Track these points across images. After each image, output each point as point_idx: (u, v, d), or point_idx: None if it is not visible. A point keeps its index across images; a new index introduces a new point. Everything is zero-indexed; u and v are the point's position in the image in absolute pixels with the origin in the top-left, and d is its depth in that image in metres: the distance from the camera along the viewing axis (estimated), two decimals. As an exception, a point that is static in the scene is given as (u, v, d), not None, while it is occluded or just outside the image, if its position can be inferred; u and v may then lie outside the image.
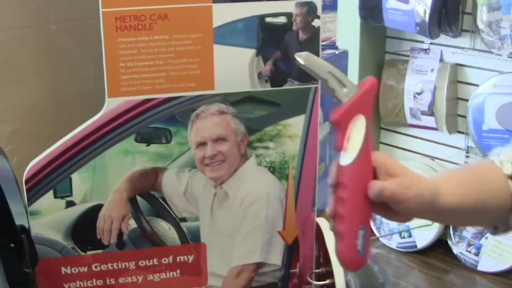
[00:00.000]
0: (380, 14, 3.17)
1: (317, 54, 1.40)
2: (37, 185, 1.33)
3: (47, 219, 1.37)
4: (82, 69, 1.51)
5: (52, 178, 1.34)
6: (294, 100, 1.42)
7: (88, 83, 1.50)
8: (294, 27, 1.37)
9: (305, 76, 1.39)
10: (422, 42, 3.29)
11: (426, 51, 3.28)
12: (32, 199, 1.34)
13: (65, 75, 1.50)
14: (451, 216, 1.17)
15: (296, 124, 1.43)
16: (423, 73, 3.27)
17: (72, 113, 1.50)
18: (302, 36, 1.38)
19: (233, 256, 1.47)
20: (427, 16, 2.99)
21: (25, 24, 1.43)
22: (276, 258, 1.49)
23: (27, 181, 1.32)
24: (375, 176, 1.06)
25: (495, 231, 1.24)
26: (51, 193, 1.35)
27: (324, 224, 1.49)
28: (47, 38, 1.46)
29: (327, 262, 1.45)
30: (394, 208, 1.06)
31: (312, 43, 1.39)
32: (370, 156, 1.04)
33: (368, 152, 1.03)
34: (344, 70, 1.91)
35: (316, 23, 1.38)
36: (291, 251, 1.50)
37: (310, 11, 1.36)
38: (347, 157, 1.02)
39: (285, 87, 1.40)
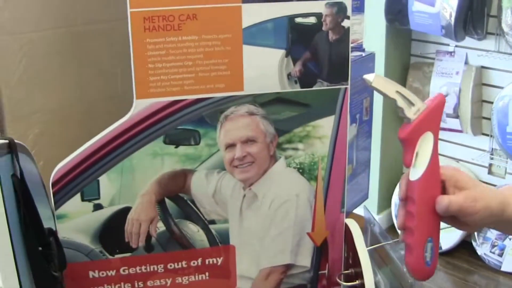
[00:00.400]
0: (406, 17, 3.16)
1: (347, 55, 1.38)
2: (64, 188, 1.32)
3: (74, 223, 1.35)
4: (109, 71, 1.51)
5: (79, 181, 1.33)
6: (324, 101, 1.40)
7: (116, 85, 1.50)
8: (324, 28, 1.35)
9: (335, 76, 1.38)
10: (448, 44, 3.27)
11: (451, 53, 3.26)
12: (59, 202, 1.33)
13: (92, 77, 1.50)
14: None
15: (325, 125, 1.42)
16: (448, 75, 3.25)
17: (99, 115, 1.49)
18: (332, 36, 1.36)
19: (262, 258, 1.45)
20: (452, 19, 2.97)
21: (52, 25, 1.42)
22: (305, 259, 1.48)
23: (54, 184, 1.31)
24: (443, 190, 1.11)
25: None
26: (78, 196, 1.34)
27: (353, 225, 1.48)
28: (75, 39, 1.46)
29: (356, 263, 1.44)
30: (462, 220, 1.12)
31: (342, 44, 1.37)
32: (438, 171, 1.09)
33: (436, 167, 1.09)
34: (371, 72, 1.89)
35: (346, 23, 1.36)
36: (320, 253, 1.48)
37: (340, 12, 1.35)
38: (415, 173, 1.08)
39: (315, 88, 1.38)
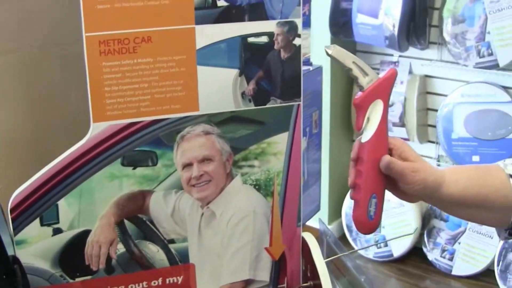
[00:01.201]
0: (350, 29, 3.21)
1: (299, 72, 1.41)
2: (23, 213, 1.32)
3: (34, 248, 1.35)
4: (64, 95, 1.51)
5: (38, 206, 1.32)
6: (277, 118, 1.43)
7: (70, 108, 1.50)
8: (275, 46, 1.38)
9: (287, 94, 1.41)
10: (391, 55, 3.33)
11: (395, 63, 3.32)
12: (18, 228, 1.32)
13: (46, 100, 1.49)
14: (454, 206, 1.30)
15: (279, 141, 1.44)
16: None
17: (54, 139, 1.49)
18: (283, 55, 1.39)
19: (221, 275, 1.47)
20: (396, 30, 3.03)
21: (7, 49, 1.42)
22: (264, 274, 1.50)
23: (12, 210, 1.31)
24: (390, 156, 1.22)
25: (510, 236, 1.29)
26: (37, 221, 1.33)
27: (309, 238, 1.50)
28: (29, 63, 1.45)
29: (314, 275, 1.46)
30: (401, 188, 1.24)
31: (293, 62, 1.40)
32: (385, 136, 1.22)
33: (384, 132, 1.22)
34: (319, 85, 1.92)
35: (297, 41, 1.39)
36: (279, 267, 1.51)
37: (291, 30, 1.38)
38: (365, 135, 1.21)
39: (268, 105, 1.41)
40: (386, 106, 1.23)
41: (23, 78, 1.46)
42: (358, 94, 1.24)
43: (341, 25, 3.26)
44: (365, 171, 1.22)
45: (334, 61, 1.23)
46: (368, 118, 1.22)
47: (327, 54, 1.22)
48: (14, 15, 1.42)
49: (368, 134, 1.21)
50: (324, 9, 3.27)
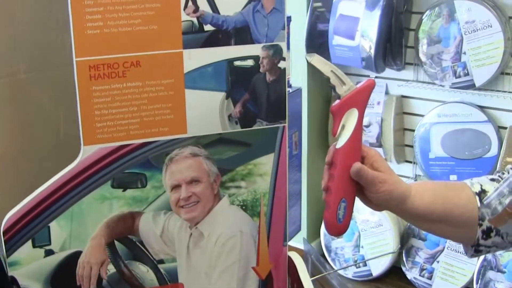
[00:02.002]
0: (327, 51, 3.25)
1: (284, 94, 1.45)
2: (16, 235, 1.34)
3: (26, 269, 1.37)
4: (52, 118, 1.53)
5: (31, 228, 1.34)
6: (263, 139, 1.46)
7: (59, 131, 1.52)
8: (261, 70, 1.41)
9: (273, 116, 1.44)
10: (368, 76, 3.37)
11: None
12: (11, 249, 1.34)
13: (35, 124, 1.52)
14: (419, 219, 1.34)
15: (266, 162, 1.47)
16: (370, 106, 3.35)
17: (43, 162, 1.52)
18: (269, 77, 1.42)
19: (210, 295, 1.49)
20: (372, 51, 3.08)
21: (-4, 75, 1.45)
22: (251, 293, 1.52)
23: (5, 232, 1.33)
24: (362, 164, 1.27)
25: (476, 253, 1.33)
26: (29, 242, 1.35)
27: (295, 257, 1.53)
28: (17, 88, 1.48)
29: (301, 294, 1.49)
30: (368, 196, 1.29)
31: (278, 84, 1.44)
32: (359, 143, 1.27)
33: (357, 139, 1.27)
34: (299, 107, 1.96)
35: (282, 64, 1.43)
36: (265, 286, 1.53)
37: (276, 54, 1.42)
38: (340, 141, 1.26)
39: (255, 127, 1.44)
40: (362, 115, 1.27)
41: (12, 103, 1.48)
42: (335, 102, 1.29)
43: (317, 46, 3.30)
44: (337, 176, 1.26)
45: (315, 69, 1.30)
46: (344, 125, 1.27)
47: (307, 61, 1.30)
48: (3, 41, 1.44)
49: (342, 140, 1.26)
50: (300, 31, 3.31)
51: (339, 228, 1.30)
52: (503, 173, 1.36)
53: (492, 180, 1.35)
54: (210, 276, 1.48)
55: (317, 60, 1.30)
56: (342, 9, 3.21)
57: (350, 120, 1.26)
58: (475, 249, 1.34)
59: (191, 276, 1.47)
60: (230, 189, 1.46)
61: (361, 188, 1.29)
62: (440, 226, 1.34)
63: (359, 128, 1.27)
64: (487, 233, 1.31)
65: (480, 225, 1.31)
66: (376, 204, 1.30)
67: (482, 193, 1.32)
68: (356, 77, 3.42)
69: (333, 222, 1.28)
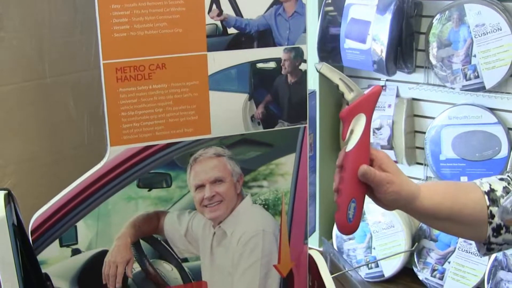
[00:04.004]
0: (339, 55, 3.27)
1: (305, 96, 1.48)
2: (43, 235, 1.37)
3: (53, 268, 1.39)
4: (77, 120, 1.56)
5: (58, 227, 1.37)
6: (285, 140, 1.49)
7: (83, 133, 1.55)
8: (283, 72, 1.44)
9: (294, 116, 1.47)
10: (379, 79, 3.39)
11: (382, 88, 3.38)
12: (38, 249, 1.37)
13: (61, 126, 1.55)
14: (428, 218, 1.39)
15: (287, 162, 1.50)
16: (381, 109, 3.37)
17: (69, 163, 1.55)
18: (290, 79, 1.45)
19: (233, 293, 1.52)
20: (384, 54, 3.10)
21: (21, 79, 1.47)
22: (273, 291, 1.55)
23: (33, 232, 1.36)
24: (371, 166, 1.32)
25: (488, 252, 1.35)
26: (56, 242, 1.38)
27: (316, 255, 1.56)
28: (43, 91, 1.51)
29: (322, 292, 1.52)
30: (377, 196, 1.33)
31: (299, 86, 1.47)
32: (367, 147, 1.32)
33: (365, 143, 1.31)
34: (314, 109, 1.98)
35: (303, 66, 1.46)
36: (286, 283, 1.56)
37: (297, 56, 1.45)
38: (349, 146, 1.31)
39: (276, 128, 1.47)
40: (369, 119, 1.33)
41: (38, 107, 1.51)
42: (344, 108, 1.34)
43: (329, 50, 3.32)
44: (346, 178, 1.31)
45: (323, 77, 1.35)
46: (352, 130, 1.32)
47: (317, 70, 1.34)
48: (30, 45, 1.47)
49: (351, 144, 1.31)
50: (312, 35, 3.34)
51: (349, 228, 1.35)
52: None
53: (501, 179, 1.38)
54: (233, 274, 1.51)
55: (326, 69, 1.35)
56: (354, 13, 3.22)
57: (358, 125, 1.32)
58: (487, 248, 1.37)
59: (214, 274, 1.50)
60: (253, 188, 1.49)
61: (371, 189, 1.33)
62: (450, 225, 1.38)
63: (367, 132, 1.32)
64: (497, 231, 1.35)
65: (490, 223, 1.34)
66: (386, 204, 1.34)
67: (491, 192, 1.35)
68: (368, 80, 3.45)
69: (344, 222, 1.33)
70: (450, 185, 1.46)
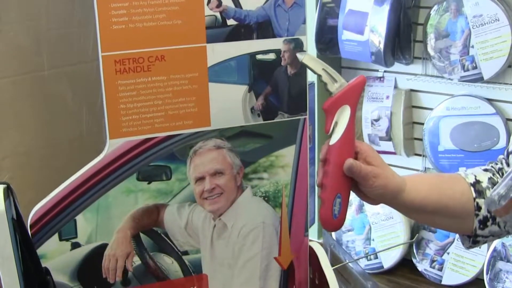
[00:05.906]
0: (336, 46, 3.26)
1: (304, 87, 1.47)
2: (42, 229, 1.36)
3: (53, 262, 1.38)
4: (75, 113, 1.55)
5: (57, 221, 1.36)
6: (285, 131, 1.48)
7: (81, 126, 1.54)
8: (282, 63, 1.44)
9: (294, 108, 1.46)
10: (377, 70, 3.38)
11: (380, 79, 3.38)
12: (38, 243, 1.36)
13: (59, 119, 1.54)
14: (414, 212, 1.36)
15: (287, 154, 1.49)
16: (379, 100, 3.36)
17: (66, 156, 1.54)
18: (290, 71, 1.45)
19: (233, 285, 1.51)
20: (381, 45, 3.09)
21: (19, 71, 1.46)
22: (273, 283, 1.54)
23: (32, 226, 1.35)
24: (356, 159, 1.29)
25: (473, 245, 1.35)
26: (56, 236, 1.37)
27: (317, 247, 1.55)
28: (41, 84, 1.50)
29: (322, 283, 1.51)
30: (363, 191, 1.30)
31: (299, 77, 1.46)
32: (352, 140, 1.28)
33: (350, 136, 1.28)
34: (312, 101, 1.97)
35: (303, 57, 1.44)
36: (287, 276, 1.55)
37: (297, 47, 1.44)
38: (333, 139, 1.28)
39: (276, 120, 1.46)
40: (354, 111, 1.29)
41: (36, 99, 1.50)
42: (327, 99, 1.31)
43: (327, 42, 3.31)
44: (331, 172, 1.28)
45: (307, 68, 1.32)
46: (336, 122, 1.28)
47: (299, 60, 1.30)
48: (27, 37, 1.46)
49: (335, 137, 1.28)
50: (310, 27, 3.33)
51: (334, 224, 1.31)
52: (496, 164, 1.39)
53: (486, 170, 1.37)
54: (234, 266, 1.50)
55: (308, 59, 1.31)
56: (351, 5, 3.21)
57: (342, 117, 1.28)
58: (472, 240, 1.37)
59: (215, 266, 1.49)
60: (253, 180, 1.48)
61: (356, 184, 1.30)
62: (436, 218, 1.36)
63: (351, 124, 1.28)
64: (483, 223, 1.34)
65: (477, 215, 1.33)
66: (371, 198, 1.32)
67: (476, 183, 1.34)
68: (366, 71, 3.44)
69: (329, 218, 1.29)
70: (435, 177, 1.44)
